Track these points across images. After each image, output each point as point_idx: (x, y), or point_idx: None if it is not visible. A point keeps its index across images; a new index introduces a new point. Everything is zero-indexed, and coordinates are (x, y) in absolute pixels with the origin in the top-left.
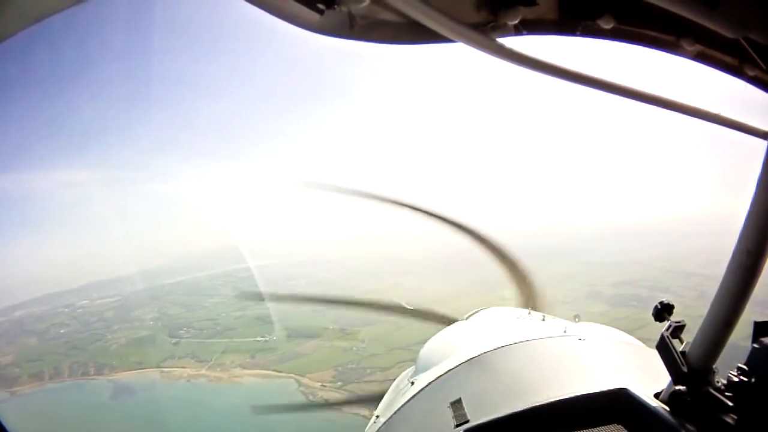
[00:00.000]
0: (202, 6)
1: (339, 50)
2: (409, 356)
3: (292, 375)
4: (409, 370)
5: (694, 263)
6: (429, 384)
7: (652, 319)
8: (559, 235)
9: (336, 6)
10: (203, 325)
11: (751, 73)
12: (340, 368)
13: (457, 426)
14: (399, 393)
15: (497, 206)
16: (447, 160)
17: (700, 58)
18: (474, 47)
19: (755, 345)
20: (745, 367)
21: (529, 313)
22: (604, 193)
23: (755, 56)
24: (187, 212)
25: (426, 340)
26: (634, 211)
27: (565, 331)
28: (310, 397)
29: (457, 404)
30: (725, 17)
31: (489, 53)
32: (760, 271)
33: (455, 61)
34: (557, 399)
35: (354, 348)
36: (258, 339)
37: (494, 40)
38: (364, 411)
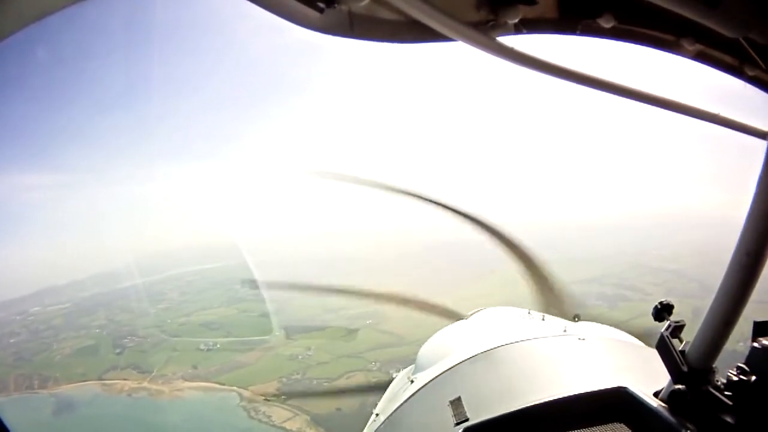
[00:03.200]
0: (201, 4)
1: (331, 47)
2: (358, 365)
3: (235, 387)
4: (409, 368)
5: (662, 259)
6: (429, 382)
7: (619, 318)
8: (523, 230)
9: (336, 4)
10: (148, 332)
11: (751, 73)
12: (284, 379)
13: (457, 424)
14: (399, 391)
15: (461, 200)
16: (433, 153)
17: (700, 58)
18: (474, 46)
19: (755, 344)
20: (744, 366)
21: (529, 312)
22: (583, 190)
23: (755, 56)
24: (147, 214)
25: (376, 347)
26: (608, 209)
27: (565, 331)
28: (252, 413)
29: (456, 402)
30: (726, 17)
31: (489, 52)
32: (760, 272)
33: (455, 59)
34: (557, 398)
35: (300, 356)
36: (201, 348)
37: (494, 39)
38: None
